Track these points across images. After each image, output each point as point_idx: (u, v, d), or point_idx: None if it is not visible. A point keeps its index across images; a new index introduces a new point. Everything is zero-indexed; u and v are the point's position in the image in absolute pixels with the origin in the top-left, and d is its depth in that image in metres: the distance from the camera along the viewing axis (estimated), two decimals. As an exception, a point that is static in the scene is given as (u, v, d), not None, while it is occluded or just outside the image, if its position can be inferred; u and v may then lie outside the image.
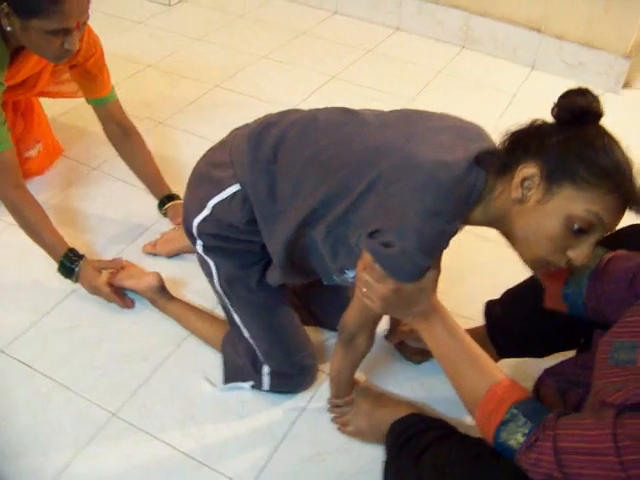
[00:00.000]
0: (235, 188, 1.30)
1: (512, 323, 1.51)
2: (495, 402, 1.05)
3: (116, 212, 2.03)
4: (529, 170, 1.02)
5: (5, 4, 1.49)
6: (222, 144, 1.38)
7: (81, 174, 2.17)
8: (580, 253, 1.04)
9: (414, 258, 1.08)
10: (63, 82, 1.99)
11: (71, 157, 2.24)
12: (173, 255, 1.88)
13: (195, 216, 1.37)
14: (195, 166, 1.43)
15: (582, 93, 1.01)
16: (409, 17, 3.25)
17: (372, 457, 1.40)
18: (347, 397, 1.44)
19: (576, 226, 1.01)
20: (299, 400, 1.54)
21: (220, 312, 1.62)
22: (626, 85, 2.93)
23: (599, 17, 2.78)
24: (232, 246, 1.38)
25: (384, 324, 1.60)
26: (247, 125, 1.37)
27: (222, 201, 1.32)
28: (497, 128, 1.09)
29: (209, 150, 1.42)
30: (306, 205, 1.21)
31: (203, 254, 1.41)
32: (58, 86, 2.00)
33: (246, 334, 1.48)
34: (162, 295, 1.69)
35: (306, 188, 1.21)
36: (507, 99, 2.74)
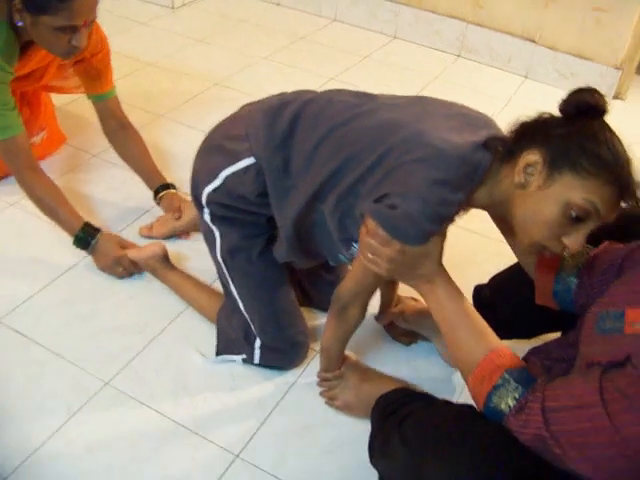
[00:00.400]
0: (249, 161, 1.35)
1: (500, 305, 1.54)
2: (490, 368, 1.08)
3: (115, 196, 2.07)
4: (533, 157, 1.07)
5: (17, 0, 1.55)
6: (237, 118, 1.43)
7: (82, 160, 2.21)
8: (575, 240, 1.09)
9: (418, 222, 1.12)
10: (67, 77, 2.03)
11: (74, 145, 2.28)
12: (168, 237, 1.92)
13: (206, 185, 1.40)
14: (207, 137, 1.47)
15: (589, 91, 1.07)
16: (406, 25, 3.32)
17: (359, 429, 1.43)
18: (336, 371, 1.47)
19: (574, 213, 1.05)
20: (289, 375, 1.57)
21: (218, 286, 1.65)
22: (617, 96, 3.00)
23: (591, 29, 2.85)
24: (239, 216, 1.42)
25: (374, 305, 1.64)
26: (261, 101, 1.42)
27: (235, 173, 1.36)
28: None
29: (222, 123, 1.45)
30: (318, 178, 1.26)
31: (209, 222, 1.45)
32: (62, 81, 2.05)
33: (241, 306, 1.51)
34: (164, 264, 1.73)
35: (319, 162, 1.26)
36: (500, 106, 2.79)
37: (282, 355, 1.55)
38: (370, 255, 1.18)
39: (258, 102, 1.43)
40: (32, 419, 1.41)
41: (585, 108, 1.06)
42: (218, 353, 1.57)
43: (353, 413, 1.47)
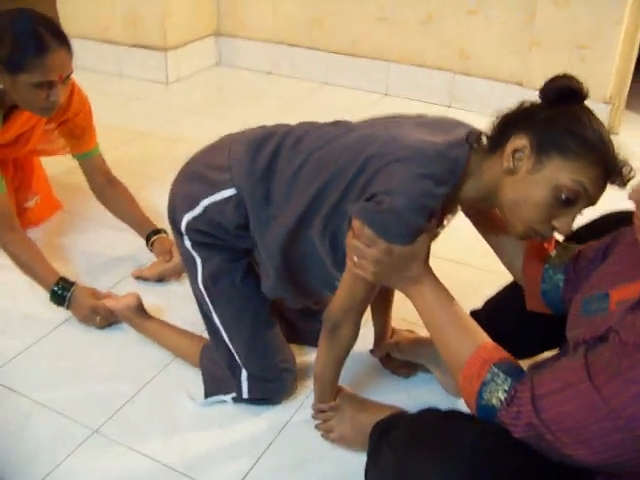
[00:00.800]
0: (231, 192, 1.35)
1: (495, 329, 1.50)
2: (478, 365, 1.04)
3: (109, 254, 2.07)
4: (520, 142, 1.08)
5: None
6: (218, 148, 1.42)
7: (76, 223, 2.23)
8: (565, 222, 1.09)
9: (403, 216, 1.10)
10: (53, 140, 2.08)
11: (69, 212, 2.30)
12: (159, 279, 1.93)
13: (185, 212, 1.40)
14: (187, 163, 1.47)
15: (568, 77, 1.09)
16: (396, 82, 3.38)
17: (357, 464, 1.34)
18: (331, 402, 1.42)
19: (563, 195, 1.06)
20: (283, 414, 1.51)
21: (207, 336, 1.60)
22: (610, 131, 2.99)
23: (577, 66, 2.88)
24: (219, 242, 1.41)
25: (369, 337, 1.60)
26: (243, 133, 1.43)
27: (216, 202, 1.36)
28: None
29: (204, 151, 1.46)
30: (300, 204, 1.26)
31: (190, 249, 1.44)
32: (49, 144, 2.10)
33: (225, 337, 1.47)
34: (140, 314, 1.71)
35: (300, 188, 1.27)
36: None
37: (269, 384, 1.50)
38: (356, 258, 1.16)
39: (240, 133, 1.44)
40: (15, 472, 1.35)
41: (566, 92, 1.07)
42: (207, 395, 1.53)
43: (350, 446, 1.40)
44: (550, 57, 2.94)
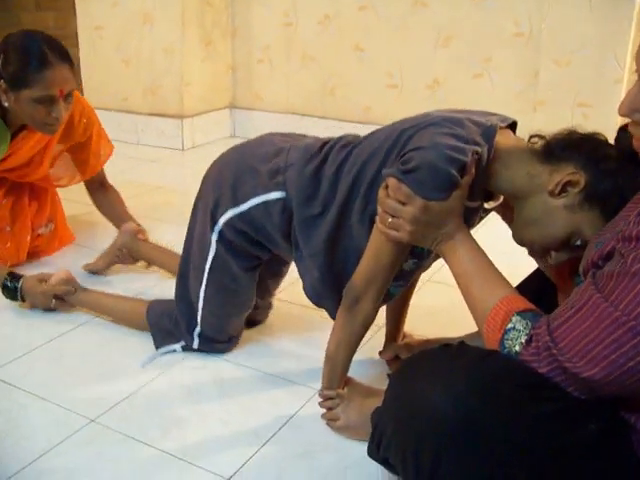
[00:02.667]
0: (280, 195, 1.38)
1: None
2: (501, 315, 1.02)
3: (117, 286, 2.08)
4: (578, 179, 1.09)
5: (2, 81, 1.73)
6: (278, 149, 1.44)
7: (86, 254, 2.24)
8: (560, 258, 1.16)
9: (437, 167, 1.11)
10: (65, 166, 2.20)
11: (80, 244, 2.33)
12: (111, 265, 2.07)
13: (229, 207, 1.42)
14: (240, 156, 1.48)
15: None
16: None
17: (360, 456, 1.27)
18: (339, 390, 1.37)
19: (578, 242, 1.11)
20: (288, 408, 1.46)
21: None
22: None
23: (580, 124, 2.95)
24: (248, 247, 1.46)
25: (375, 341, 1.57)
26: (304, 139, 1.48)
27: (264, 203, 1.39)
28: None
29: (258, 146, 1.48)
30: (342, 192, 1.30)
31: (213, 240, 1.46)
32: (61, 170, 2.21)
33: (199, 300, 1.54)
34: (74, 287, 1.80)
35: (342, 181, 1.31)
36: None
37: (218, 345, 1.63)
38: (390, 219, 1.16)
39: (300, 139, 1.48)
40: (7, 453, 1.31)
41: (634, 154, 1.03)
42: (158, 347, 1.63)
43: (355, 434, 1.35)
44: (554, 116, 3.02)
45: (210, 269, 1.48)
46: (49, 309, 1.81)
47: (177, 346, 1.62)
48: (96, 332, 1.76)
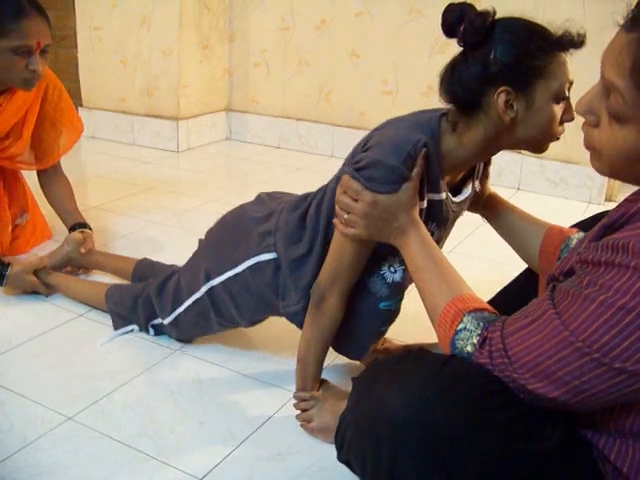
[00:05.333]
0: (271, 256, 1.41)
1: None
2: (452, 314, 1.02)
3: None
4: (504, 95, 1.13)
5: None
6: (271, 212, 1.48)
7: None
8: (569, 113, 1.18)
9: (382, 161, 1.15)
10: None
11: (58, 241, 2.31)
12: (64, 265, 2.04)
13: (226, 269, 1.48)
14: (236, 218, 1.55)
15: (465, 10, 1.13)
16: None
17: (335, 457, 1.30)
18: (314, 392, 1.38)
19: (560, 97, 1.15)
20: (265, 411, 1.47)
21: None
22: (609, 198, 3.04)
23: (574, 134, 2.95)
24: (230, 310, 1.51)
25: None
26: (292, 198, 1.51)
27: (256, 264, 1.43)
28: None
29: (255, 210, 1.52)
30: (323, 222, 1.34)
31: (203, 290, 1.53)
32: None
33: (171, 316, 1.62)
34: (41, 271, 1.90)
35: (322, 213, 1.35)
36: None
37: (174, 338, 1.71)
38: (346, 215, 1.19)
39: (289, 199, 1.50)
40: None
41: (483, 30, 1.12)
42: (116, 328, 1.73)
43: (329, 436, 1.34)
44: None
45: (190, 307, 1.57)
46: (28, 290, 1.90)
47: (135, 326, 1.73)
48: (77, 331, 1.76)
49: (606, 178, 2.97)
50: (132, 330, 1.73)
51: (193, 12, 3.50)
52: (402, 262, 1.30)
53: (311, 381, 1.38)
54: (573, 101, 1.15)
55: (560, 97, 1.15)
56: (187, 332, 1.67)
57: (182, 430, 1.40)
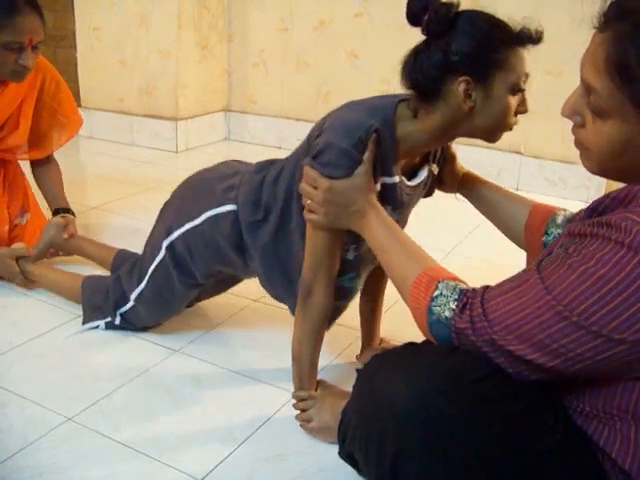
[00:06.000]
0: (231, 207, 1.44)
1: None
2: (425, 282, 1.02)
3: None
4: (463, 84, 1.15)
5: None
6: (237, 172, 1.52)
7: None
8: (524, 106, 1.20)
9: (334, 146, 1.19)
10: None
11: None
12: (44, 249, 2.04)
13: (185, 221, 1.50)
14: (201, 177, 1.59)
15: (430, 0, 1.15)
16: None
17: (335, 458, 1.28)
18: (312, 392, 1.39)
19: (516, 89, 1.18)
20: (265, 411, 1.47)
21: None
22: (609, 196, 3.04)
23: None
24: (189, 265, 1.53)
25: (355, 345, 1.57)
26: (247, 164, 1.58)
27: (215, 216, 1.46)
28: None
29: (222, 170, 1.57)
30: (281, 193, 1.36)
31: (163, 246, 1.54)
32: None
33: (132, 297, 1.64)
34: (24, 259, 1.95)
35: (280, 184, 1.38)
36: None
37: (139, 327, 1.74)
38: (309, 202, 1.22)
39: (247, 164, 1.58)
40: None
41: (447, 20, 1.14)
42: (84, 322, 1.74)
43: (328, 436, 1.34)
44: (547, 125, 3.03)
45: (153, 272, 1.58)
46: (5, 277, 1.95)
47: (101, 322, 1.73)
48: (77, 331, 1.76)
49: (605, 178, 2.98)
50: (98, 326, 1.73)
51: (192, 12, 3.51)
52: (354, 241, 1.33)
53: (308, 379, 1.39)
54: (527, 94, 1.20)
55: (517, 89, 1.17)
56: (152, 309, 1.67)
57: (182, 431, 1.40)
